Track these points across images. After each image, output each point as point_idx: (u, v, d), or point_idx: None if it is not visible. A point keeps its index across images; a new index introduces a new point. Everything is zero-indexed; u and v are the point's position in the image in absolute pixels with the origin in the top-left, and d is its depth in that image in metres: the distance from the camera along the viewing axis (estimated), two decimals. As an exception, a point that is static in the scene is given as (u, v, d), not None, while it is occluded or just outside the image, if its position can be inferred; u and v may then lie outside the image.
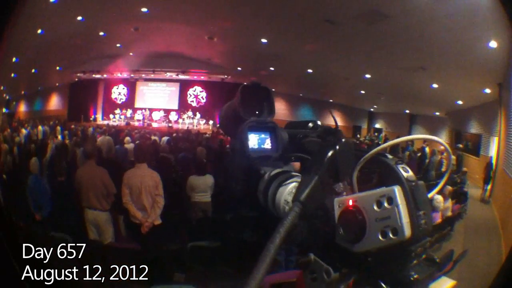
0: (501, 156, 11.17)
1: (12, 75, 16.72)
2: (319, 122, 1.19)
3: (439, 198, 7.52)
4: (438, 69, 12.18)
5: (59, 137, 14.06)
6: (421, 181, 0.87)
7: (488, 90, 12.11)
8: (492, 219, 9.67)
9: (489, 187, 11.12)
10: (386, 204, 0.81)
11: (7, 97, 20.16)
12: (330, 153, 0.87)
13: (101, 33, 15.96)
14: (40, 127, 15.88)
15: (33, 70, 17.79)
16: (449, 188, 8.44)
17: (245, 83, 1.16)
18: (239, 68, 19.48)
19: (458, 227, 8.89)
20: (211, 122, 20.92)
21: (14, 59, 12.91)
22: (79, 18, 13.51)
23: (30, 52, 13.79)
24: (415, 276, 0.84)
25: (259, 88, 1.19)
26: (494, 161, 12.26)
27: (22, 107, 21.49)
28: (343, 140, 0.90)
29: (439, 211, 7.54)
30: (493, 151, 12.60)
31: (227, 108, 1.22)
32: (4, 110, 19.65)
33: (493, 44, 9.12)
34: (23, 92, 20.96)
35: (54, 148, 10.09)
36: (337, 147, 0.88)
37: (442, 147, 1.11)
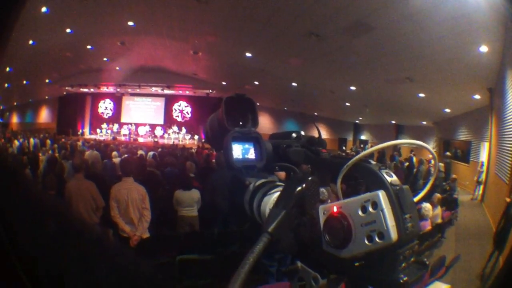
0: (493, 161, 11.15)
1: (6, 85, 16.75)
2: (302, 133, 1.20)
3: (428, 206, 7.52)
4: (425, 78, 12.16)
5: (50, 151, 14.00)
6: (406, 185, 0.87)
7: (477, 96, 12.11)
8: (484, 224, 9.65)
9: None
10: (371, 209, 0.81)
11: (1, 107, 20.22)
12: (297, 189, 0.89)
13: (89, 47, 16.02)
14: (31, 140, 15.96)
15: (24, 82, 17.85)
16: (438, 195, 8.43)
17: (229, 95, 1.16)
18: (223, 83, 19.59)
19: (449, 233, 8.89)
20: (196, 137, 21.00)
21: (8, 69, 12.88)
22: (68, 30, 13.50)
23: (22, 62, 13.79)
24: (405, 279, 0.83)
25: (243, 100, 1.20)
26: (485, 166, 12.26)
27: (15, 118, 21.56)
28: (310, 178, 0.90)
29: (428, 218, 7.54)
30: (484, 157, 12.57)
31: (211, 120, 1.22)
32: (-2, 120, 19.80)
33: (483, 48, 9.06)
34: (15, 103, 21.00)
35: (46, 162, 10.05)
36: (304, 184, 0.89)
37: (430, 156, 1.12)
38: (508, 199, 7.94)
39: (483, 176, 12.26)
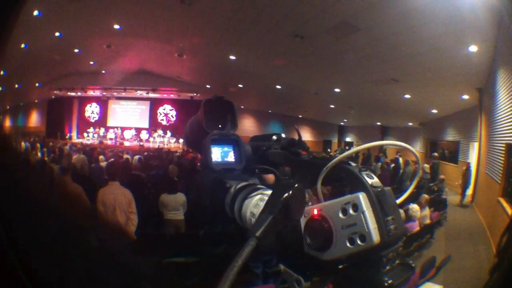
0: (483, 161, 11.17)
1: (0, 88, 16.68)
2: (283, 135, 1.20)
3: (415, 207, 7.54)
4: (412, 79, 12.18)
5: (39, 154, 14.00)
6: (388, 187, 0.87)
7: (466, 96, 12.13)
8: (475, 224, 9.67)
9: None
10: (351, 211, 0.80)
11: (-4, 111, 20.07)
12: (284, 196, 0.88)
13: (76, 50, 15.91)
14: (23, 143, 15.90)
15: (16, 85, 17.74)
16: (426, 196, 8.46)
17: (208, 97, 1.16)
18: (208, 86, 19.56)
19: (439, 234, 8.91)
20: (181, 140, 20.94)
21: (2, 72, 12.78)
22: (57, 34, 13.43)
23: (15, 65, 13.71)
24: (389, 282, 0.82)
25: (222, 102, 1.20)
26: (474, 166, 12.28)
27: (8, 122, 21.41)
28: (296, 185, 0.90)
29: (416, 220, 7.55)
30: (473, 157, 12.59)
31: (191, 123, 1.22)
32: (-8, 124, 19.62)
33: (473, 48, 9.06)
34: (8, 107, 20.86)
35: (36, 165, 10.06)
36: (291, 191, 0.88)
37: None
38: (510, 211, 7.50)
39: (473, 176, 12.29)
